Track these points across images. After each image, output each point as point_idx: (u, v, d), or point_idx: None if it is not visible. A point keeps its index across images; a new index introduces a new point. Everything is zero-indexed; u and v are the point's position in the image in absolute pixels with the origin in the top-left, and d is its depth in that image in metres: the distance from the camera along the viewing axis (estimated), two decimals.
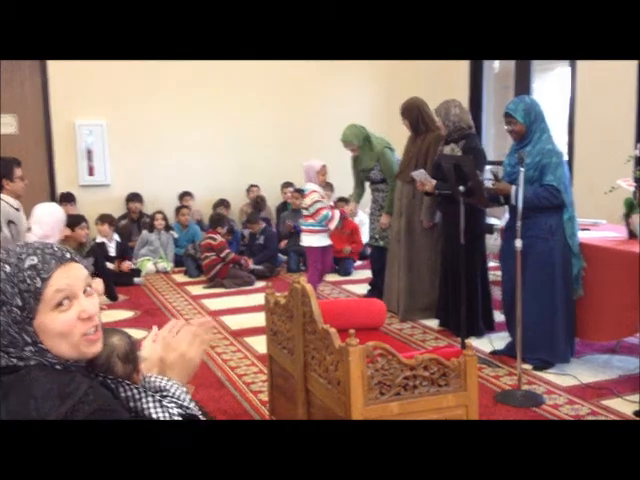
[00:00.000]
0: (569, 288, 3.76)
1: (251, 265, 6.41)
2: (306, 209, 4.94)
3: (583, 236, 3.87)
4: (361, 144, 5.24)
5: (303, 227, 5.07)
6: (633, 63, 5.29)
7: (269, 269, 6.50)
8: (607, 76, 5.56)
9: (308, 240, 4.99)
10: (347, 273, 6.49)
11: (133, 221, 6.97)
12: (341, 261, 6.48)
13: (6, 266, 1.24)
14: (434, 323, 4.73)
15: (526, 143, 3.75)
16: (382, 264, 5.21)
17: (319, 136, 7.54)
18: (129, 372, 1.93)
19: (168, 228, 6.92)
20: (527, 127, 3.73)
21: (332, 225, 4.91)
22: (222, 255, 6.18)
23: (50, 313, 1.25)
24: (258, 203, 7.17)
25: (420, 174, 4.43)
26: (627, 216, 3.81)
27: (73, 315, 1.27)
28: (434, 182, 4.34)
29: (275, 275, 6.46)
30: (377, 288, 5.33)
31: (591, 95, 5.79)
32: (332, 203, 5.06)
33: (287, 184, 7.48)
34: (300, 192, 7.23)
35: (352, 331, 2.33)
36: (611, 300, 3.64)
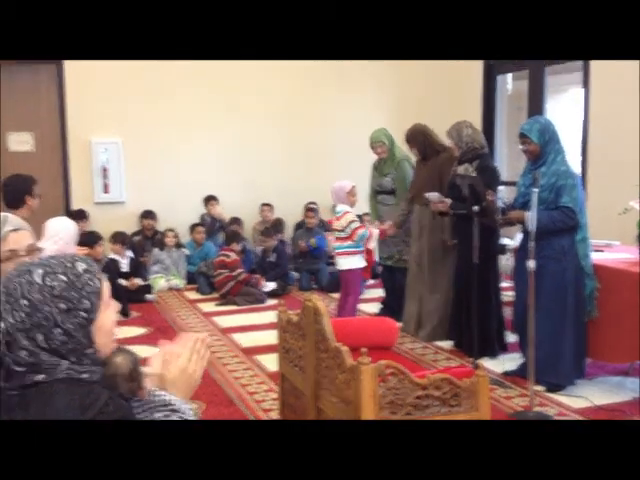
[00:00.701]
0: (580, 310, 3.74)
1: (263, 283, 6.42)
2: (341, 230, 4.82)
3: (596, 257, 3.86)
4: (389, 147, 5.27)
5: (338, 250, 4.91)
6: None
7: (281, 287, 6.51)
8: (620, 98, 5.57)
9: (346, 263, 4.86)
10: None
11: (147, 238, 7.01)
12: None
13: (61, 276, 1.29)
14: (447, 343, 4.71)
15: (541, 164, 3.76)
16: (393, 283, 5.21)
17: (332, 155, 7.58)
18: (134, 390, 1.97)
19: (179, 246, 6.96)
20: (542, 147, 3.74)
21: (371, 244, 4.91)
22: (234, 274, 6.21)
23: (105, 311, 1.35)
24: (276, 226, 7.17)
25: (434, 196, 4.46)
26: None
27: (115, 311, 1.40)
28: (449, 201, 4.36)
29: (287, 293, 6.47)
30: (389, 307, 5.33)
31: (604, 117, 5.80)
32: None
33: (311, 204, 7.47)
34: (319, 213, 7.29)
35: (364, 350, 2.34)
36: (625, 322, 3.62)
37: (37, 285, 1.25)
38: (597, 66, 5.85)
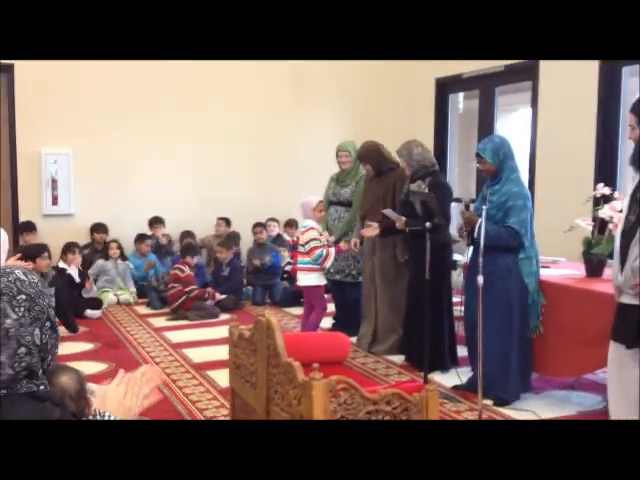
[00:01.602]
0: (525, 326, 3.82)
1: (218, 297, 6.37)
2: (302, 246, 4.87)
3: (543, 274, 3.94)
4: (354, 159, 5.30)
5: (300, 265, 4.94)
6: (593, 105, 5.48)
7: (234, 302, 6.47)
8: (568, 118, 5.75)
9: (306, 279, 4.89)
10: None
11: (97, 251, 6.88)
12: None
13: (29, 288, 1.30)
14: (399, 358, 4.75)
15: (496, 181, 3.84)
16: (343, 297, 5.25)
17: (291, 170, 7.62)
18: (82, 408, 1.95)
19: (124, 257, 6.86)
20: (497, 166, 3.82)
21: (327, 264, 4.85)
22: (187, 290, 6.14)
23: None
24: (232, 239, 7.13)
25: (390, 212, 4.51)
26: (585, 254, 3.91)
27: None
28: (404, 219, 4.41)
29: (240, 308, 6.43)
30: (341, 321, 5.35)
31: (552, 136, 5.97)
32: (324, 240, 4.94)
33: (272, 219, 7.46)
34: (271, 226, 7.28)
35: (316, 365, 2.33)
36: (571, 337, 3.71)
37: (26, 281, 1.30)
38: (545, 86, 6.03)
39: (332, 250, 4.87)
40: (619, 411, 3.10)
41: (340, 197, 5.35)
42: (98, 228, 6.94)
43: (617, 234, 3.07)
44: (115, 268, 6.74)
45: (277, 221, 7.48)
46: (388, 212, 4.54)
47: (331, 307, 5.80)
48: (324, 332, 5.01)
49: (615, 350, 3.06)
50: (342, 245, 4.97)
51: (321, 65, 6.56)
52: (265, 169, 7.57)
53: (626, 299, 2.95)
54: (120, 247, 6.82)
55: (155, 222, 7.14)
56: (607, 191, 3.94)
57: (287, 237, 7.49)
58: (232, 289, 6.56)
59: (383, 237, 4.74)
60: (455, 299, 4.66)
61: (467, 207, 3.89)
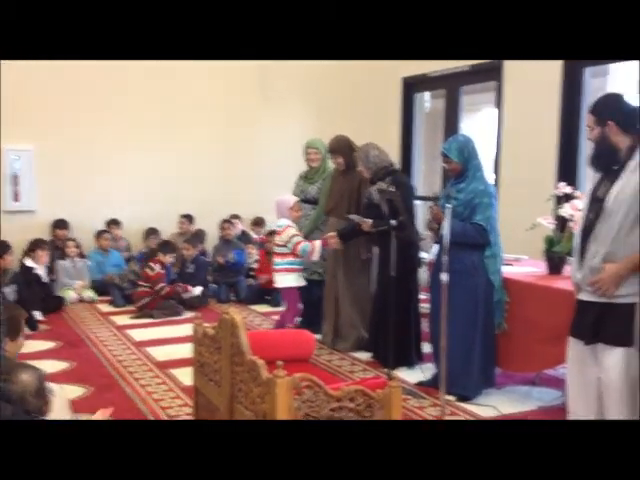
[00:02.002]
0: (490, 322, 3.87)
1: (190, 289, 6.33)
2: (283, 245, 4.74)
3: (506, 271, 4.00)
4: (323, 156, 5.28)
5: (277, 267, 4.81)
6: (556, 105, 5.57)
7: (199, 299, 6.42)
8: (531, 118, 5.83)
9: (283, 280, 4.80)
10: (278, 304, 6.46)
11: (57, 248, 6.76)
12: (272, 292, 6.47)
13: None
14: (365, 355, 4.76)
15: (462, 180, 3.87)
16: (309, 295, 5.24)
17: (256, 168, 7.59)
18: (41, 407, 1.94)
19: (82, 256, 6.77)
20: (462, 165, 3.85)
21: (314, 257, 4.74)
22: (156, 288, 6.06)
23: None
24: (197, 236, 7.07)
25: (355, 217, 4.53)
26: (547, 252, 3.97)
27: None
28: (370, 221, 4.42)
29: (204, 305, 6.39)
30: (307, 319, 5.35)
31: (516, 136, 6.06)
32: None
33: (235, 216, 7.42)
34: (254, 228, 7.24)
35: (280, 363, 2.33)
36: (531, 333, 3.76)
37: None
38: (509, 87, 6.11)
39: (318, 242, 4.74)
40: (577, 407, 3.16)
41: (307, 194, 5.34)
42: (60, 225, 6.83)
43: (576, 232, 3.12)
44: (74, 267, 6.64)
45: (240, 218, 7.44)
46: (353, 217, 4.55)
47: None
48: (289, 330, 5.00)
49: (574, 346, 3.11)
50: (327, 236, 4.81)
51: (288, 64, 6.54)
52: (230, 167, 7.52)
53: (584, 296, 3.00)
54: (78, 245, 6.75)
55: (112, 223, 7.10)
56: (568, 190, 4.00)
57: (255, 235, 7.47)
58: (197, 286, 6.50)
59: (345, 242, 4.73)
60: (422, 296, 4.69)
61: (436, 202, 3.92)
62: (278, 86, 7.60)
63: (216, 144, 7.47)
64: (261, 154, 7.66)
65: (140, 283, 6.14)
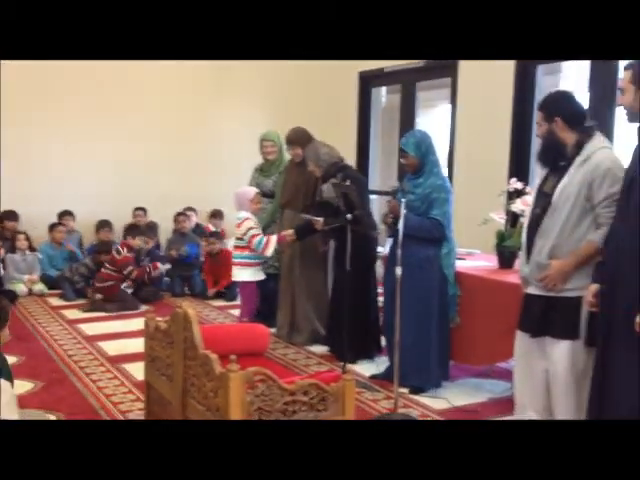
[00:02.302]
0: (444, 316, 3.91)
1: (160, 266, 6.29)
2: (240, 239, 4.71)
3: (459, 265, 4.05)
4: (279, 149, 5.25)
5: (235, 260, 4.80)
6: (509, 102, 5.66)
7: (153, 293, 6.33)
8: (485, 114, 5.91)
9: (241, 274, 4.77)
10: (233, 298, 6.43)
11: (6, 239, 6.58)
12: (228, 285, 6.43)
13: None
14: (322, 348, 4.77)
15: (420, 175, 3.90)
16: (264, 289, 5.23)
17: (211, 160, 7.54)
18: None
19: (33, 249, 6.61)
20: (420, 160, 3.88)
21: (268, 252, 4.67)
22: (125, 272, 5.94)
23: None
24: (151, 229, 6.96)
25: (308, 217, 4.54)
26: (498, 247, 4.04)
27: None
28: (321, 219, 4.42)
29: (159, 299, 6.31)
30: (262, 313, 5.32)
31: (470, 132, 6.14)
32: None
33: (189, 209, 7.33)
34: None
35: (233, 357, 2.32)
36: (484, 326, 3.82)
37: None
38: (463, 83, 6.18)
39: (273, 237, 4.70)
40: (524, 399, 3.23)
41: (264, 188, 5.30)
42: (9, 216, 6.65)
43: (524, 227, 3.18)
44: (24, 261, 6.49)
45: (195, 211, 7.37)
46: (305, 216, 4.55)
47: None
48: (243, 323, 4.97)
49: (521, 339, 3.18)
50: (284, 233, 4.77)
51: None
52: (185, 160, 7.45)
53: (532, 290, 3.07)
54: (28, 238, 6.58)
55: (64, 215, 6.94)
56: (520, 186, 4.07)
57: (212, 228, 7.40)
58: (151, 280, 6.43)
59: (301, 239, 4.73)
60: (380, 290, 4.72)
61: (394, 195, 3.94)
62: (233, 79, 7.54)
63: (172, 137, 7.37)
64: (217, 147, 7.61)
65: (107, 268, 5.99)
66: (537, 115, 3.06)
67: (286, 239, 4.74)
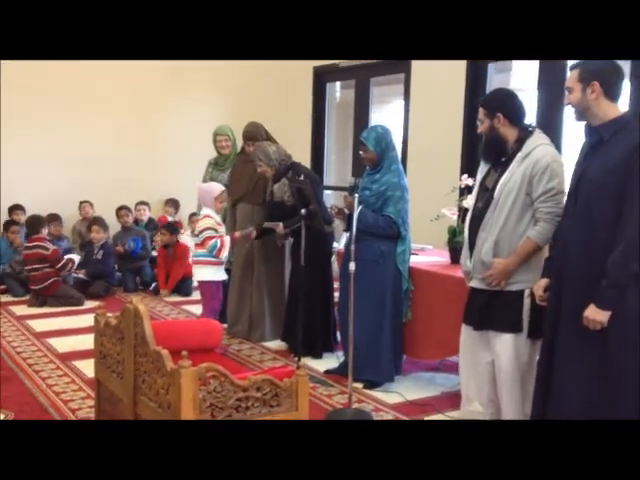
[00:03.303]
0: (398, 311, 3.95)
1: (77, 271, 6.14)
2: (196, 236, 4.47)
3: (412, 260, 4.09)
4: (232, 142, 5.20)
5: (194, 258, 4.53)
6: (461, 99, 5.73)
7: (105, 288, 6.23)
8: (438, 111, 5.98)
9: (200, 273, 4.48)
10: (187, 293, 6.37)
11: None
12: (182, 280, 6.36)
13: None
14: (278, 344, 4.77)
15: (378, 170, 3.92)
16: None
17: (162, 153, 7.44)
18: None
19: None
20: (379, 155, 3.90)
21: (223, 255, 4.41)
22: (58, 266, 5.80)
23: None
24: (101, 221, 6.80)
25: (269, 224, 4.52)
26: (450, 242, 4.10)
27: None
28: (281, 224, 4.42)
29: (111, 295, 6.21)
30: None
31: (423, 129, 6.19)
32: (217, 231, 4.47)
33: (142, 203, 7.24)
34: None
35: (185, 353, 2.30)
36: (436, 321, 3.88)
37: None
38: (416, 80, 6.23)
39: (227, 239, 4.48)
40: (470, 391, 3.29)
41: (218, 182, 5.25)
42: None
43: (466, 221, 3.23)
44: None
45: (147, 204, 7.27)
46: (267, 225, 4.52)
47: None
48: (196, 319, 4.94)
49: (466, 332, 3.24)
50: (236, 234, 4.71)
51: None
52: (137, 153, 7.33)
53: (475, 283, 3.13)
54: None
55: (15, 209, 6.75)
56: (471, 182, 4.13)
57: (169, 217, 7.32)
58: (105, 273, 6.32)
59: (258, 238, 4.70)
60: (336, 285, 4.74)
61: (350, 191, 3.95)
62: (187, 73, 7.44)
63: (123, 130, 7.24)
64: (169, 141, 7.50)
65: (35, 266, 5.81)
66: (479, 112, 3.12)
67: (239, 239, 4.69)
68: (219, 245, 4.37)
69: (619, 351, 2.47)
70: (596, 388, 2.52)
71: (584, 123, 2.65)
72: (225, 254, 4.43)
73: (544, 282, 2.80)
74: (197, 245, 4.48)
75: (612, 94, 2.56)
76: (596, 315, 2.46)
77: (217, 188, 4.51)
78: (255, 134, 4.91)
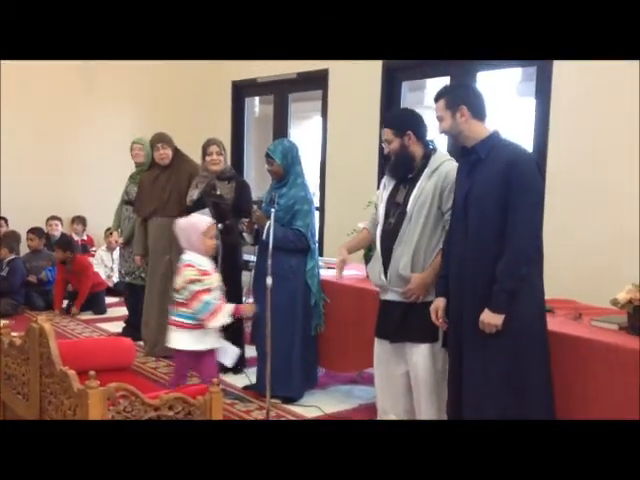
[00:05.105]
0: (308, 326, 3.97)
1: None
2: (177, 291, 3.28)
3: (328, 274, 4.13)
4: (146, 153, 5.05)
5: (172, 319, 3.29)
6: (376, 115, 5.85)
7: (12, 307, 5.96)
8: (354, 127, 6.08)
9: (177, 340, 3.26)
10: (102, 311, 6.18)
11: None
12: (95, 297, 6.17)
13: None
14: None
15: (283, 184, 3.94)
16: (135, 300, 5.05)
17: (78, 167, 7.22)
18: None
19: None
20: (284, 169, 3.92)
21: (214, 323, 3.19)
22: None
23: None
24: (13, 237, 6.49)
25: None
26: (366, 256, 4.15)
27: None
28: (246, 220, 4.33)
29: (20, 313, 5.95)
30: (133, 325, 5.14)
31: (340, 144, 6.29)
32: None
33: (54, 218, 6.97)
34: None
35: (92, 373, 2.23)
36: (352, 334, 3.91)
37: None
38: (334, 96, 6.33)
39: (227, 307, 3.27)
40: (385, 404, 3.35)
41: (131, 196, 5.14)
42: None
43: (377, 236, 3.28)
44: None
45: (60, 219, 7.03)
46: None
47: (124, 311, 5.55)
48: (106, 337, 4.78)
49: (379, 346, 3.30)
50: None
51: (113, 62, 6.27)
52: (52, 168, 7.07)
53: (390, 296, 3.19)
54: None
55: None
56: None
57: (76, 237, 7.08)
58: (8, 291, 6.03)
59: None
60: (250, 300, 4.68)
61: (259, 205, 3.96)
62: (103, 84, 7.28)
63: (31, 143, 6.97)
64: (82, 154, 7.27)
65: None
66: (385, 133, 3.19)
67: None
68: (212, 309, 3.19)
69: (520, 352, 2.61)
70: (508, 393, 2.63)
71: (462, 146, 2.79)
72: (217, 323, 3.22)
73: (442, 302, 2.89)
74: (177, 304, 3.29)
75: (479, 115, 2.74)
76: (491, 319, 2.60)
77: (204, 222, 3.37)
78: (165, 138, 4.81)
